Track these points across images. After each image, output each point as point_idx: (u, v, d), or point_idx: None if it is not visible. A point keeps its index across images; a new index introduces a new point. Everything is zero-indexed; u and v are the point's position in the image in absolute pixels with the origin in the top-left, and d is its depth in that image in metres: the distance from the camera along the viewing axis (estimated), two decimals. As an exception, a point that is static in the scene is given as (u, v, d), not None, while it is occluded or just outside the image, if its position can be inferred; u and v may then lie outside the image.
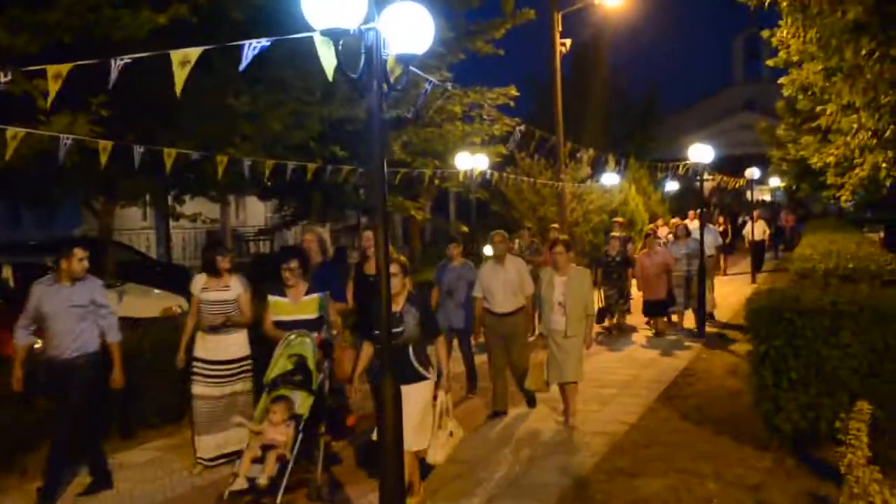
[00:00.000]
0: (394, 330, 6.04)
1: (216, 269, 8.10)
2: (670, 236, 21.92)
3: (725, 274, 22.87)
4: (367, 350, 6.92)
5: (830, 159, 17.53)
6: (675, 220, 20.17)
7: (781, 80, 17.39)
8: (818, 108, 17.39)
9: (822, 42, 12.49)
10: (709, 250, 15.89)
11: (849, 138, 15.65)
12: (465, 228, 19.53)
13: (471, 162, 16.19)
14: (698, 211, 22.16)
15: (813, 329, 7.39)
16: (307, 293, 7.91)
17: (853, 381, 7.36)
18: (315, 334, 7.57)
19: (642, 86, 62.67)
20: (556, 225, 17.64)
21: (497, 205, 26.12)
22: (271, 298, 7.87)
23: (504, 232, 10.10)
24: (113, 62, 6.54)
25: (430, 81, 6.39)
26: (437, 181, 21.50)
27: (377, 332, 5.57)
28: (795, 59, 16.00)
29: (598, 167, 26.55)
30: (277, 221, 23.73)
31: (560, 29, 22.41)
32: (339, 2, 4.91)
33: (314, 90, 13.89)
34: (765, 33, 16.28)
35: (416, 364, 6.65)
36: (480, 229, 20.69)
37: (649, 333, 15.28)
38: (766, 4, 14.04)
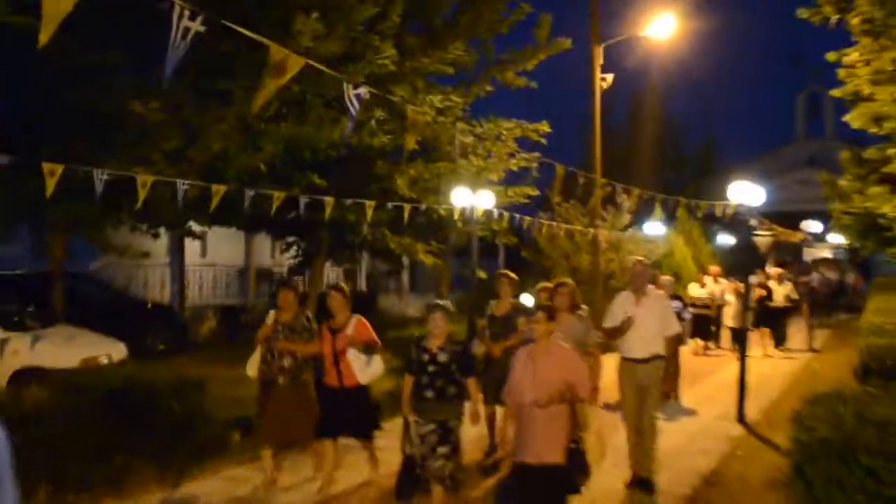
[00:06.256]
0: None
1: None
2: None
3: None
4: None
5: (904, 209, 14.08)
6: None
7: (848, 117, 14.33)
8: (890, 150, 14.32)
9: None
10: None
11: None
12: (482, 274, 15.53)
13: (469, 199, 12.54)
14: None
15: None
16: None
17: None
18: None
19: (698, 137, 57.97)
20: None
21: (528, 251, 22.46)
22: None
23: None
24: None
25: None
26: (459, 224, 17.98)
27: None
28: (866, 91, 13.23)
29: (643, 216, 22.99)
30: (291, 264, 20.09)
31: (602, 62, 19.19)
32: None
33: (268, 104, 10.37)
34: (831, 56, 13.13)
35: None
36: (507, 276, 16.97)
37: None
38: (833, 21, 11.94)
